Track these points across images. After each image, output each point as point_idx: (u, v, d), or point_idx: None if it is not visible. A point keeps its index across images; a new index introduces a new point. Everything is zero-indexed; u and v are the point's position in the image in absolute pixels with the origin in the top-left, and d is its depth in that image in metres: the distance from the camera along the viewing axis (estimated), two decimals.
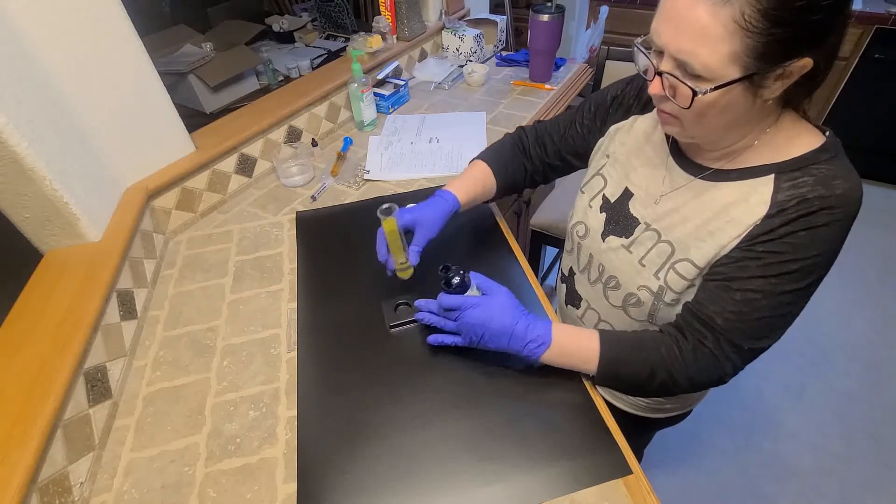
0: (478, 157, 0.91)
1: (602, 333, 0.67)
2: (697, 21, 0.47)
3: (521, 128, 0.93)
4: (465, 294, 0.70)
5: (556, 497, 0.61)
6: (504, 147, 0.92)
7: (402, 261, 0.78)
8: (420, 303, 0.77)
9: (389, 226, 0.74)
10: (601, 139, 0.81)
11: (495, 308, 0.67)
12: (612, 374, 0.66)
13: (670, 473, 1.57)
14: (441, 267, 0.72)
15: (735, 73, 0.48)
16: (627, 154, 0.75)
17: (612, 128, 0.78)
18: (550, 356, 0.68)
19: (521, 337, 0.66)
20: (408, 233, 0.79)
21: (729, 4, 0.45)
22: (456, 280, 0.70)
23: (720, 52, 0.47)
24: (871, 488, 1.51)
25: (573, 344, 0.67)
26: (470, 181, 0.86)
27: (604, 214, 0.76)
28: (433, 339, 0.74)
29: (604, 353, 0.66)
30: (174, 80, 1.43)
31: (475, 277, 0.73)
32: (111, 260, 0.83)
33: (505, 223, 1.04)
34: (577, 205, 0.83)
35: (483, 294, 0.71)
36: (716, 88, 0.49)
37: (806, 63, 0.48)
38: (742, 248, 0.58)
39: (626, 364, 0.66)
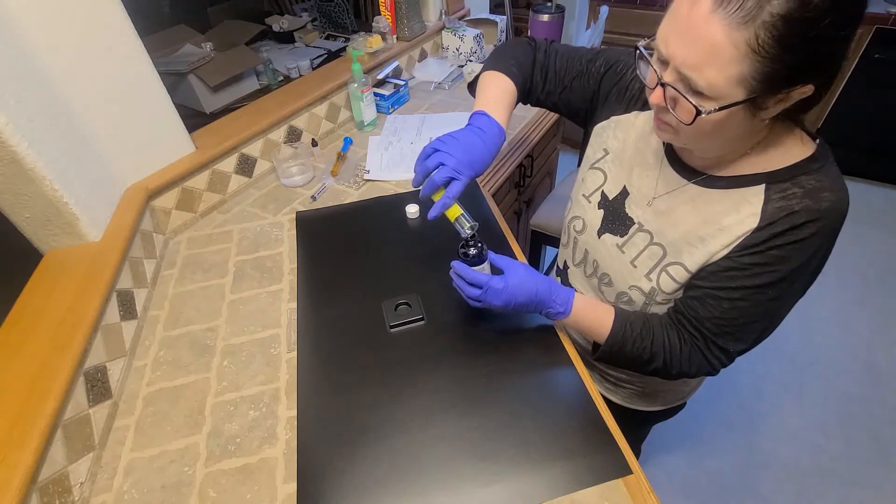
0: (505, 73, 0.80)
1: (617, 311, 0.71)
2: (710, 37, 0.45)
3: (533, 42, 0.85)
4: (476, 269, 0.72)
5: (556, 497, 0.61)
6: (525, 65, 0.82)
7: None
8: (456, 264, 0.73)
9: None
10: (601, 123, 0.78)
11: (517, 286, 0.69)
12: (616, 351, 0.70)
13: (670, 473, 1.57)
14: (470, 236, 0.73)
15: (740, 95, 0.48)
16: (629, 152, 0.74)
17: (613, 119, 0.76)
18: (566, 322, 0.73)
19: (543, 303, 0.71)
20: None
21: (745, 27, 0.44)
22: (472, 252, 0.73)
23: (728, 72, 0.46)
24: (871, 488, 1.51)
25: (589, 317, 0.71)
26: (510, 109, 0.80)
27: (601, 211, 0.77)
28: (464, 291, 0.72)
29: (615, 331, 0.69)
30: (174, 80, 1.43)
31: (492, 258, 0.74)
32: (111, 260, 0.83)
33: (505, 223, 1.04)
34: (575, 198, 0.83)
35: (500, 271, 0.72)
36: (720, 109, 0.49)
37: (807, 90, 0.48)
38: (731, 257, 0.60)
39: (631, 344, 0.68)
